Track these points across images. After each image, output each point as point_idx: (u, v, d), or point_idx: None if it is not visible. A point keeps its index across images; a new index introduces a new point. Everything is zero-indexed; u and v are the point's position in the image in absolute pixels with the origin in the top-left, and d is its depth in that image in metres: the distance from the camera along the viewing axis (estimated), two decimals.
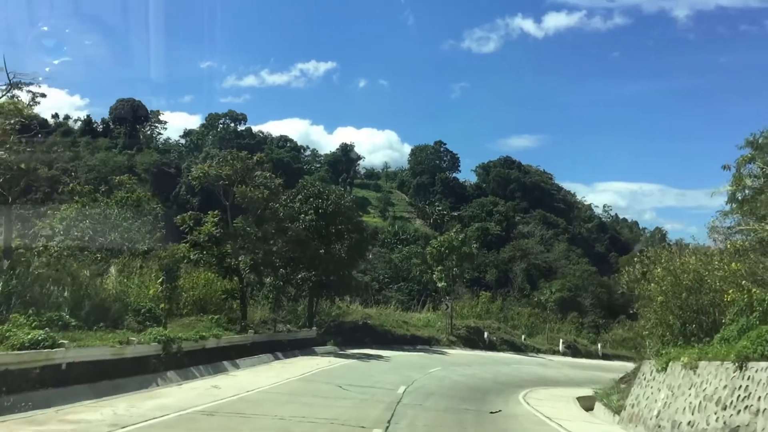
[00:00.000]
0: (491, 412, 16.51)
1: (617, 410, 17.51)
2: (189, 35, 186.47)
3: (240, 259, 29.24)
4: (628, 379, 22.92)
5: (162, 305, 21.74)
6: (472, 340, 38.73)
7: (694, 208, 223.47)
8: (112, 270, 25.30)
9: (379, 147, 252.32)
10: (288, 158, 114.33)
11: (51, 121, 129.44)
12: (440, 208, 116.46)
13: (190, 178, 35.99)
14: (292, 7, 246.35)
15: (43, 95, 18.97)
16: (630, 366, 40.38)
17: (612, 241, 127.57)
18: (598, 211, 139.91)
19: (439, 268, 39.17)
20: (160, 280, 21.77)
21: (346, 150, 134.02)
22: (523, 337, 40.97)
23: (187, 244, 27.79)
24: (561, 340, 40.75)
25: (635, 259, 20.70)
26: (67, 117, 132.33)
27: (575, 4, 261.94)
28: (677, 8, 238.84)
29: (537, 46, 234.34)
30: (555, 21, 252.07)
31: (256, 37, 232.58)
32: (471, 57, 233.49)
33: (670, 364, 14.38)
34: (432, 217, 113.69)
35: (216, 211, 29.68)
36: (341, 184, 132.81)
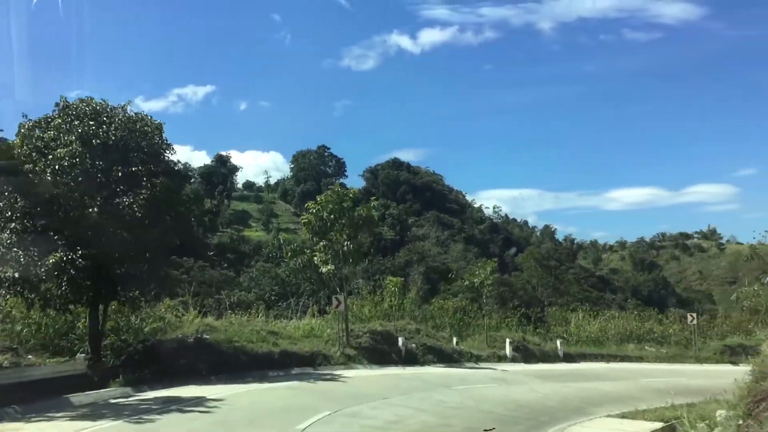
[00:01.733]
0: None
1: None
2: (53, 63, 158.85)
3: None
4: None
5: None
6: (381, 351, 23.47)
7: (569, 209, 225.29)
8: None
9: (265, 168, 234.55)
10: None
11: None
12: None
13: None
14: (166, 30, 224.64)
15: None
16: (652, 368, 27.06)
17: (505, 241, 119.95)
18: (489, 212, 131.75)
19: (321, 244, 23.67)
20: None
21: (222, 160, 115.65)
22: (454, 340, 26.21)
23: None
24: (508, 341, 26.43)
25: None
26: None
27: (447, 20, 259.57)
28: (542, 21, 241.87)
29: (415, 61, 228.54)
30: (430, 37, 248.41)
31: (128, 64, 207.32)
32: (351, 75, 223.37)
33: None
34: None
35: None
36: (218, 197, 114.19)
